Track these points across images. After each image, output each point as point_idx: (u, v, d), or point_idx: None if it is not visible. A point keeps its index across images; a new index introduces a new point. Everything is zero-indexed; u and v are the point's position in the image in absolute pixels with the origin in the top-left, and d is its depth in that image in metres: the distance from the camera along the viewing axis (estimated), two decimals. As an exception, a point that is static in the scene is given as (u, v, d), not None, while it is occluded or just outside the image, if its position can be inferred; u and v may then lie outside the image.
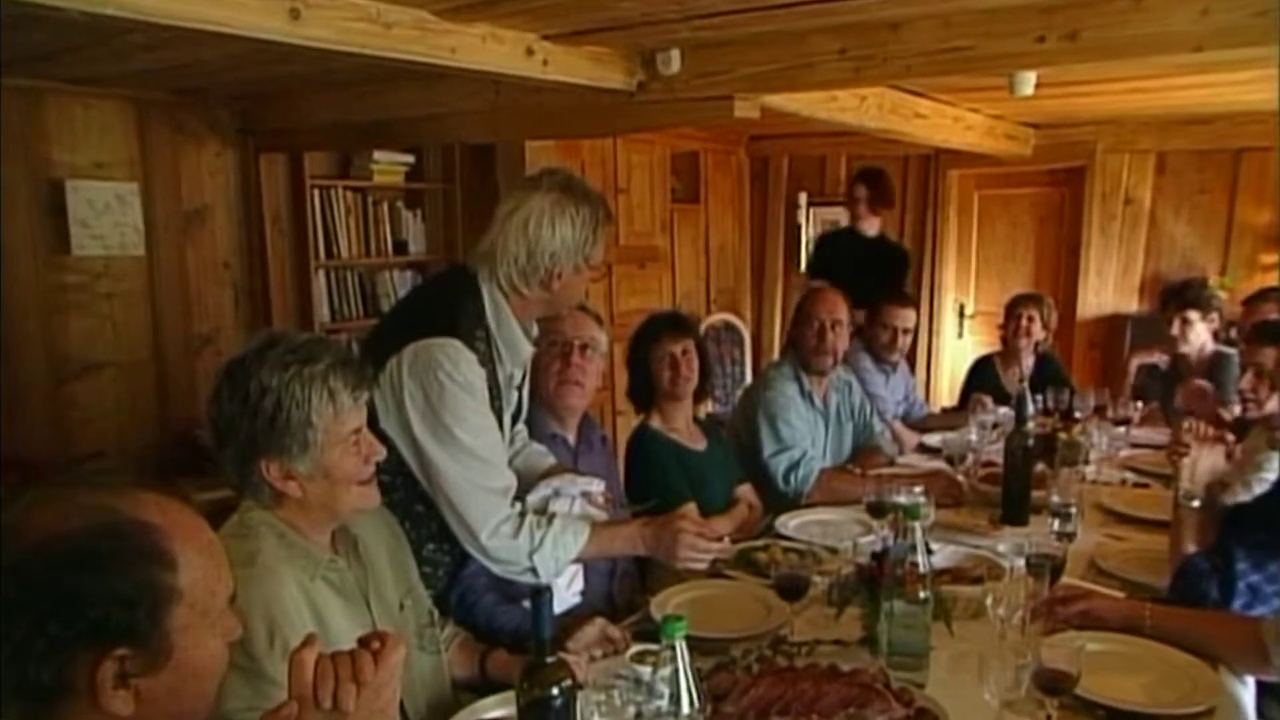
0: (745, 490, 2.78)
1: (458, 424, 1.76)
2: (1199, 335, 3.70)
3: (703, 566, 1.96)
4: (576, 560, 1.90)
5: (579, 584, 2.06)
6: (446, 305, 1.87)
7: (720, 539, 1.98)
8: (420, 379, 1.75)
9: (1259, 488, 2.24)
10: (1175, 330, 3.72)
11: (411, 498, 1.86)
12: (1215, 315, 3.71)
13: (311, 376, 1.45)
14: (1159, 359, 3.98)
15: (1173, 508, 2.11)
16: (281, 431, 1.43)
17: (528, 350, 1.94)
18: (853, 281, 4.46)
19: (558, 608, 1.99)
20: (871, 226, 4.81)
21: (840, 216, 6.30)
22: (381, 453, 1.57)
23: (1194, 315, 3.68)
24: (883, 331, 3.79)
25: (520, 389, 2.06)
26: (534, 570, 1.82)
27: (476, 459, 1.78)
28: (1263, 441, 2.47)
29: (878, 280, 4.39)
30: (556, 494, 1.95)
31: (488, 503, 1.79)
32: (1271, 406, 2.54)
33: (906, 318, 3.80)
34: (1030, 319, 4.06)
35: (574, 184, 1.88)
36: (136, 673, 0.90)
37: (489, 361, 1.86)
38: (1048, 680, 1.45)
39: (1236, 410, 3.03)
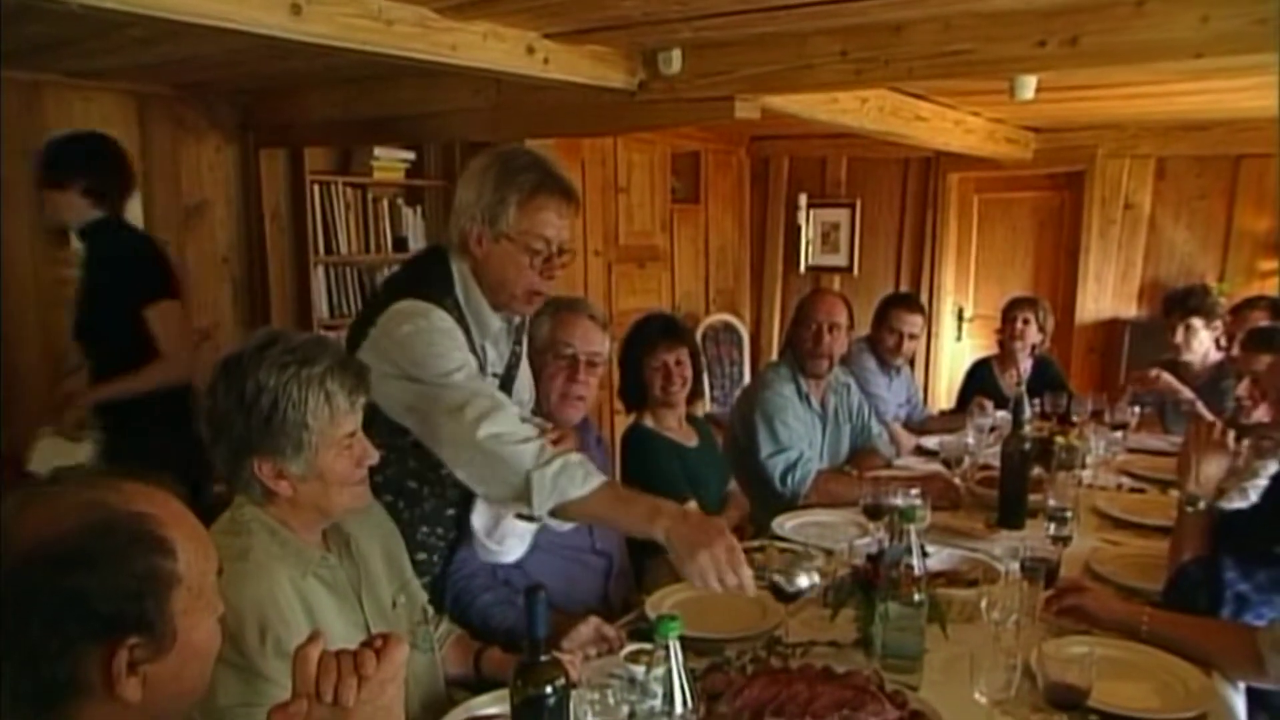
0: (732, 488, 2.80)
1: (439, 361, 1.72)
2: (1202, 343, 3.69)
3: (716, 586, 1.59)
4: (576, 517, 1.70)
5: (520, 550, 1.90)
6: (416, 277, 1.93)
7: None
8: (394, 335, 1.76)
9: (1254, 494, 2.25)
10: (1179, 338, 3.71)
11: (403, 473, 1.87)
12: (1218, 323, 3.71)
13: (309, 378, 1.45)
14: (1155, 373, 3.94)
15: (1177, 511, 2.10)
16: (276, 432, 1.44)
17: (496, 324, 1.93)
18: None
19: (509, 555, 1.90)
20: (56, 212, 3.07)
21: (841, 219, 6.35)
22: (374, 456, 1.56)
23: (1198, 323, 3.67)
24: (889, 335, 3.80)
25: (505, 381, 2.02)
26: (528, 490, 1.63)
27: (460, 389, 1.70)
28: (1260, 448, 2.48)
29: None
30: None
31: (483, 403, 1.69)
32: (1261, 413, 2.54)
33: (914, 323, 3.81)
34: (1025, 322, 4.08)
35: (512, 154, 1.87)
36: (145, 659, 0.93)
37: (461, 333, 1.86)
38: (1061, 695, 1.45)
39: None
